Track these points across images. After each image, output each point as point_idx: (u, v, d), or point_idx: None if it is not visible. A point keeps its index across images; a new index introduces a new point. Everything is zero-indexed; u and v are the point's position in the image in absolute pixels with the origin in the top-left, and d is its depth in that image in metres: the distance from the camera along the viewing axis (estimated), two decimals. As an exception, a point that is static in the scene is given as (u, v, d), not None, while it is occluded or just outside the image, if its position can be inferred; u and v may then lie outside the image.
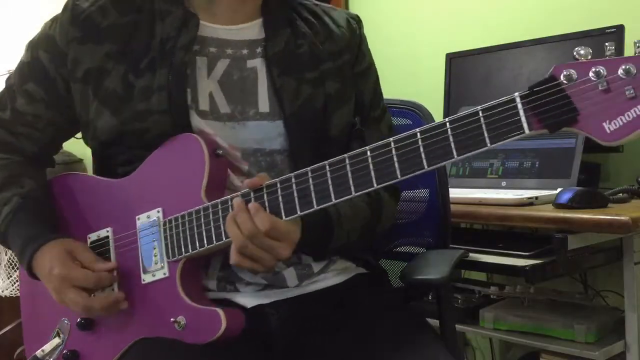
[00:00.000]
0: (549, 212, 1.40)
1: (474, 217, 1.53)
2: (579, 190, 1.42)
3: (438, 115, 1.90)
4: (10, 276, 2.21)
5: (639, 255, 1.46)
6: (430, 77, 2.22)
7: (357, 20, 1.23)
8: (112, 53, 1.08)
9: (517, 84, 1.98)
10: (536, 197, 1.49)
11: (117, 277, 1.06)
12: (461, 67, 2.13)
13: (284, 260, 0.98)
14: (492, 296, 1.84)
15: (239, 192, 0.96)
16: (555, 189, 1.50)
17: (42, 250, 1.05)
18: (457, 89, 2.13)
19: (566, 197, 1.41)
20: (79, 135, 1.23)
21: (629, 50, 1.74)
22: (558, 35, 1.90)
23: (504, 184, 1.77)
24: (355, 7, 2.59)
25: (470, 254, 1.38)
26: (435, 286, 1.30)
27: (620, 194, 1.53)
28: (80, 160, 3.13)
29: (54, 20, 1.13)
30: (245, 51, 1.10)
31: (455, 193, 1.45)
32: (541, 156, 1.74)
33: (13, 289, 2.20)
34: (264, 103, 1.09)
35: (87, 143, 1.14)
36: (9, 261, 2.22)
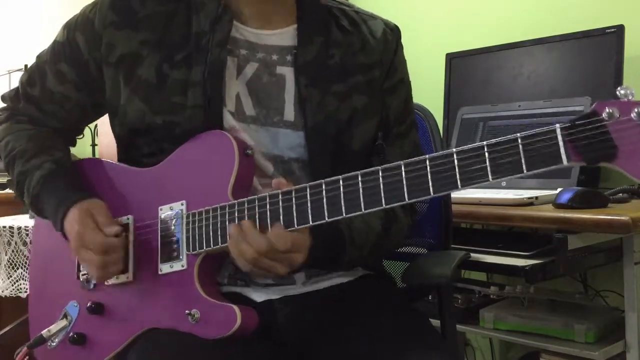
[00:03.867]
0: (549, 212, 1.40)
1: (474, 217, 1.53)
2: (579, 190, 1.42)
3: (439, 116, 1.91)
4: (10, 276, 2.20)
5: (639, 255, 1.45)
6: (431, 77, 2.22)
7: (395, 30, 1.20)
8: (147, 41, 1.08)
9: (517, 84, 1.98)
10: (536, 197, 1.50)
11: (131, 257, 1.07)
12: (461, 67, 2.13)
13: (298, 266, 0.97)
14: (492, 296, 1.84)
15: (266, 193, 0.95)
16: (555, 189, 1.50)
17: (71, 210, 1.07)
18: (457, 89, 2.13)
19: (566, 197, 1.41)
20: (80, 135, 1.24)
21: (629, 51, 1.75)
22: (558, 35, 1.90)
23: (504, 184, 1.77)
24: (355, 7, 2.59)
25: (471, 254, 1.38)
26: (437, 287, 1.30)
27: (620, 194, 1.53)
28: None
29: (95, 4, 1.13)
30: (275, 57, 1.10)
31: (455, 193, 1.45)
32: (541, 156, 1.74)
33: (13, 289, 2.20)
34: (289, 112, 1.09)
35: (114, 130, 1.15)
36: (9, 261, 2.21)
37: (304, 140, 1.08)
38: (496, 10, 2.21)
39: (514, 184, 1.74)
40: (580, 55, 1.85)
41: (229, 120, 1.07)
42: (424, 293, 1.39)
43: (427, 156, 0.84)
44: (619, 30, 1.74)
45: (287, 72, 1.10)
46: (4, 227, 2.22)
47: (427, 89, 2.17)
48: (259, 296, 1.07)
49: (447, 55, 2.17)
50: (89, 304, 1.10)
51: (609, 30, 1.77)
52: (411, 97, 1.23)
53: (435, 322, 1.23)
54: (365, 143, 1.12)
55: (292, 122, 1.09)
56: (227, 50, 1.07)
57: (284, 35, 1.11)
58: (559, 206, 1.41)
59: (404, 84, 1.20)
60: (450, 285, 1.37)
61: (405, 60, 1.22)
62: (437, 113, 1.69)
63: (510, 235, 1.74)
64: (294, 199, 0.92)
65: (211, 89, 1.05)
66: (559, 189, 1.47)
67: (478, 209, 1.52)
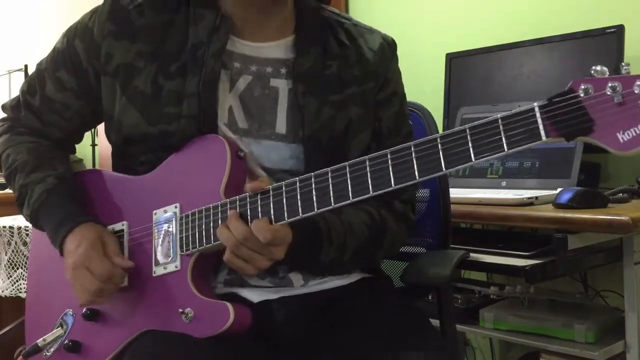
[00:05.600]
0: (549, 212, 1.40)
1: (474, 217, 1.53)
2: (579, 190, 1.42)
3: (438, 116, 1.91)
4: (10, 276, 2.21)
5: (639, 255, 1.45)
6: (431, 77, 2.22)
7: (392, 45, 1.21)
8: (143, 53, 1.09)
9: (517, 84, 1.98)
10: (536, 197, 1.50)
11: (127, 274, 1.07)
12: (461, 67, 2.13)
13: (280, 262, 0.98)
14: (492, 296, 1.84)
15: (257, 192, 0.96)
16: (555, 189, 1.50)
17: (80, 227, 1.07)
18: (457, 89, 2.13)
19: (566, 197, 1.41)
20: (80, 142, 1.24)
21: (629, 51, 1.74)
22: (558, 35, 1.90)
23: (504, 184, 1.77)
24: (355, 7, 2.59)
25: (471, 254, 1.38)
26: (436, 287, 1.30)
27: (620, 194, 1.53)
28: (80, 160, 3.14)
29: (94, 12, 1.14)
30: (269, 69, 1.11)
31: (455, 193, 1.45)
32: (541, 156, 1.74)
33: (13, 289, 2.20)
34: (281, 125, 1.09)
35: (109, 137, 1.15)
36: (9, 261, 2.21)
37: (296, 152, 1.08)
38: (496, 10, 2.21)
39: (514, 184, 1.75)
40: (580, 55, 1.85)
41: (224, 131, 1.07)
42: (423, 293, 1.39)
43: (411, 143, 0.86)
44: (619, 30, 1.74)
45: (281, 85, 1.10)
46: (4, 227, 2.22)
47: (427, 89, 2.18)
48: (256, 297, 1.07)
49: (447, 55, 2.17)
50: (84, 311, 1.10)
51: (609, 30, 1.77)
52: (405, 110, 1.23)
53: (435, 322, 1.23)
54: (361, 154, 1.11)
55: (284, 135, 1.09)
56: (221, 62, 1.07)
57: (280, 48, 1.12)
58: (559, 206, 1.41)
59: (397, 96, 1.20)
60: (450, 285, 1.37)
61: (400, 73, 1.22)
62: (437, 113, 1.69)
63: (510, 235, 1.74)
64: (284, 193, 0.94)
65: (205, 100, 1.06)
66: (559, 189, 1.47)
67: (478, 209, 1.52)
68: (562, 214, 1.37)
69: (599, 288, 1.86)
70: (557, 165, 1.69)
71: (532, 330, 1.64)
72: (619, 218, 1.27)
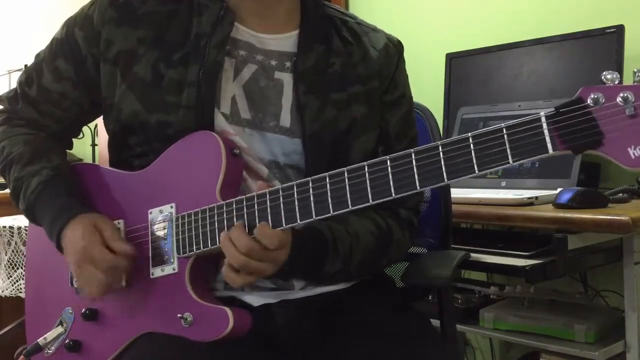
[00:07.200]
0: (549, 212, 1.40)
1: (474, 217, 1.53)
2: (579, 190, 1.42)
3: (439, 116, 1.91)
4: (10, 276, 2.21)
5: (639, 255, 1.45)
6: (431, 77, 2.22)
7: (397, 45, 1.19)
8: (145, 39, 1.07)
9: (517, 84, 1.98)
10: (536, 197, 1.50)
11: (131, 266, 1.04)
12: (461, 67, 2.13)
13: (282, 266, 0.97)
14: (492, 296, 1.84)
15: (254, 193, 0.95)
16: (555, 189, 1.50)
17: (75, 220, 1.05)
18: (457, 89, 2.13)
19: (566, 197, 1.41)
20: (80, 135, 1.23)
21: (629, 51, 1.74)
22: (558, 35, 1.90)
23: (504, 184, 1.77)
24: (355, 7, 2.59)
25: (471, 254, 1.38)
26: (437, 287, 1.30)
27: (620, 194, 1.53)
28: (80, 160, 3.14)
29: (94, 2, 1.12)
30: (274, 62, 1.10)
31: (455, 193, 1.45)
32: (541, 156, 1.74)
33: (13, 289, 2.20)
34: (285, 118, 1.08)
35: (107, 126, 1.14)
36: (9, 261, 2.21)
37: (300, 148, 1.07)
38: (496, 10, 2.21)
39: (514, 184, 1.74)
40: (580, 55, 1.85)
41: (220, 123, 1.06)
42: (424, 293, 1.39)
43: (412, 150, 0.84)
44: (619, 30, 1.74)
45: (286, 78, 1.09)
46: (4, 227, 2.22)
47: (427, 89, 2.17)
48: (256, 300, 1.06)
49: (447, 55, 2.17)
50: (83, 311, 1.10)
51: (609, 30, 1.77)
52: (412, 112, 1.22)
53: (435, 322, 1.23)
54: (364, 155, 1.10)
55: (288, 129, 1.08)
56: (225, 51, 1.06)
57: (285, 41, 1.11)
58: (559, 206, 1.41)
59: (405, 98, 1.19)
60: (450, 285, 1.37)
61: (407, 75, 1.21)
62: (437, 113, 1.69)
63: (510, 235, 1.74)
64: (281, 198, 0.92)
65: (205, 90, 1.04)
66: (559, 189, 1.47)
67: (478, 209, 1.52)
68: (562, 214, 1.37)
69: (599, 288, 1.86)
70: (557, 165, 1.69)
71: (532, 330, 1.64)
72: (619, 218, 1.27)
